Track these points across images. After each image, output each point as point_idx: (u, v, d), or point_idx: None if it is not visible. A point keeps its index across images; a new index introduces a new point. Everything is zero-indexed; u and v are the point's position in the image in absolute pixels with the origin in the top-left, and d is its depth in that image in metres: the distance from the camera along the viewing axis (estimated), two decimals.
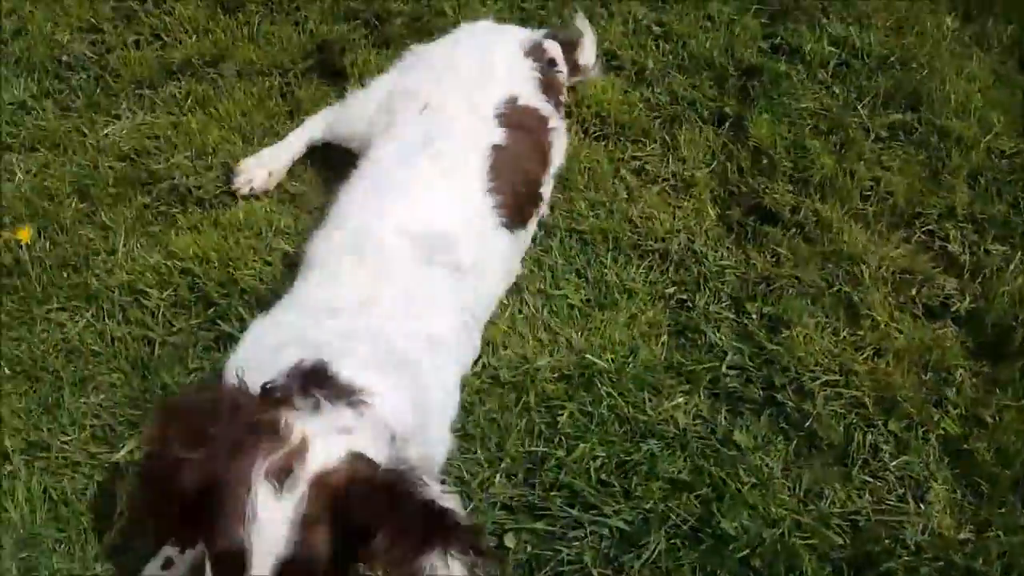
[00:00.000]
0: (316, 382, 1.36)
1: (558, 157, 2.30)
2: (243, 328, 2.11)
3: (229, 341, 2.11)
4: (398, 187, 1.92)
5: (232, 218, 2.34)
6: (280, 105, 2.69)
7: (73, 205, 2.43)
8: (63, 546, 1.84)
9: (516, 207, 2.00)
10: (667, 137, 2.57)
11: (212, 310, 2.18)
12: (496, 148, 2.00)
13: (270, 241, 2.29)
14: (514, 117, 2.09)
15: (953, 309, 2.23)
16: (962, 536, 1.88)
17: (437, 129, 2.03)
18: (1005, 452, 1.98)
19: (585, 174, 2.46)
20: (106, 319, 2.16)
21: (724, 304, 2.26)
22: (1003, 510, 1.91)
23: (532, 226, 2.21)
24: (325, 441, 1.23)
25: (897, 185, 2.42)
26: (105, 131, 2.61)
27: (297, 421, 1.26)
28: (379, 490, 1.21)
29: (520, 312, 2.22)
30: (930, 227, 2.39)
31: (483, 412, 2.02)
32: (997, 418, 2.03)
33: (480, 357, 2.10)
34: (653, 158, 2.53)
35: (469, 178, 1.95)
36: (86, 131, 2.61)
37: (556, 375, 2.10)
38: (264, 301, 2.16)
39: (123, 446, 1.95)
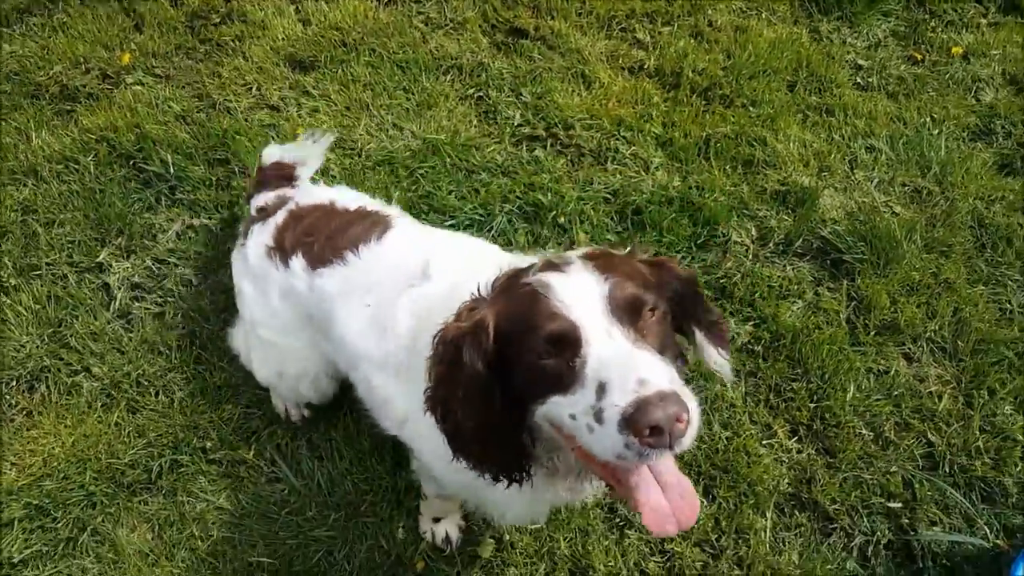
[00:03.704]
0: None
1: None
2: (165, 168, 2.80)
3: (154, 179, 2.78)
4: None
5: (124, 97, 2.96)
6: (126, 20, 3.30)
7: None
8: (78, 319, 2.43)
9: None
10: None
11: (132, 161, 2.81)
12: None
13: (162, 104, 2.96)
14: None
15: (645, 67, 3.47)
16: (674, 183, 3.08)
17: None
18: (688, 132, 3.22)
19: (390, 26, 3.39)
20: (47, 182, 2.71)
21: (507, 93, 3.30)
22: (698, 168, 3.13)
23: None
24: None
25: (596, 1, 3.63)
26: None
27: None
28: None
29: (372, 120, 3.10)
30: (623, 25, 3.62)
31: (375, 182, 2.89)
32: (679, 123, 3.27)
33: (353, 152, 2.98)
34: (432, 10, 3.52)
35: None
36: None
37: (408, 152, 3.02)
38: (177, 144, 2.85)
39: (100, 250, 2.57)
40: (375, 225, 2.02)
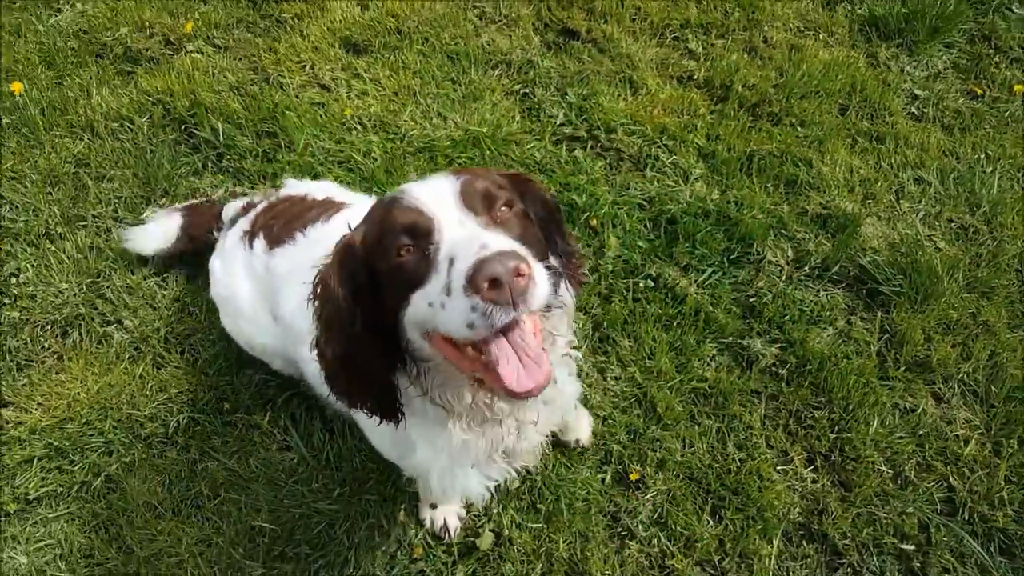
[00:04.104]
0: None
1: None
2: (215, 135, 2.87)
3: (203, 145, 2.85)
4: None
5: (183, 64, 3.05)
6: None
7: (43, 72, 3.01)
8: (116, 272, 2.51)
9: None
10: None
11: (184, 126, 2.89)
12: None
13: (218, 74, 3.03)
14: None
15: (694, 78, 3.44)
16: (713, 196, 3.04)
17: None
18: (732, 146, 3.18)
19: (444, 17, 3.42)
20: (102, 138, 2.81)
21: (553, 92, 3.31)
22: (738, 183, 3.10)
23: None
24: None
25: (651, 8, 3.61)
26: (51, 20, 3.19)
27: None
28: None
29: (417, 107, 3.14)
30: (676, 34, 3.59)
31: (413, 167, 2.93)
32: (723, 136, 3.24)
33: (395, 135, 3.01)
34: (488, 5, 3.54)
35: None
36: (35, 20, 3.18)
37: (449, 142, 3.05)
38: (228, 114, 2.92)
39: (144, 211, 2.65)
40: (329, 209, 2.08)
